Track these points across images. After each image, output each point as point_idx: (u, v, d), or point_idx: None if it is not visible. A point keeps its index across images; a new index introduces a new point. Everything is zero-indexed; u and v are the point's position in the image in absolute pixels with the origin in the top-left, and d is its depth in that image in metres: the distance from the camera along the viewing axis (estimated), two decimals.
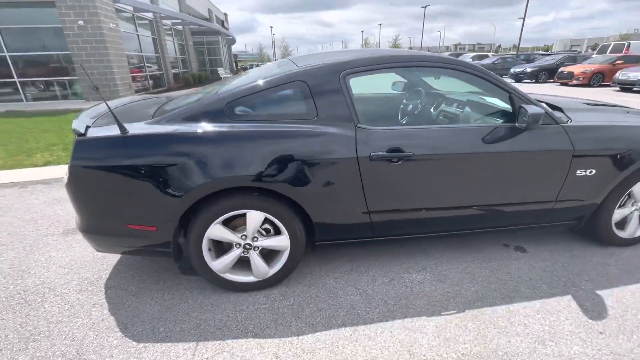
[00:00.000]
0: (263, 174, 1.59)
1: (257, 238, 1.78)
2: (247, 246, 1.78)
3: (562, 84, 14.27)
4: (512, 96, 1.84)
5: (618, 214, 2.11)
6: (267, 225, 1.81)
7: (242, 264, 1.87)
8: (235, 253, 1.79)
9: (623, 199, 2.13)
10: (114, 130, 1.58)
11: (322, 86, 1.69)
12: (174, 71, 16.97)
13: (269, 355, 1.48)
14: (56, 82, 10.87)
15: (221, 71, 19.75)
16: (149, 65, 14.53)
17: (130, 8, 12.38)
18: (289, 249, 1.81)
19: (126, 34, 12.16)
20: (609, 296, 1.79)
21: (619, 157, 1.90)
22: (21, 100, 10.59)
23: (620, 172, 1.93)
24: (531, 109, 1.67)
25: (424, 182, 1.77)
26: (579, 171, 1.90)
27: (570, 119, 1.99)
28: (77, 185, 1.58)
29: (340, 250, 2.26)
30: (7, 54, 10.07)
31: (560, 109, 2.18)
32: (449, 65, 1.81)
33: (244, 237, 1.76)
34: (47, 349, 1.53)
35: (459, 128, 1.80)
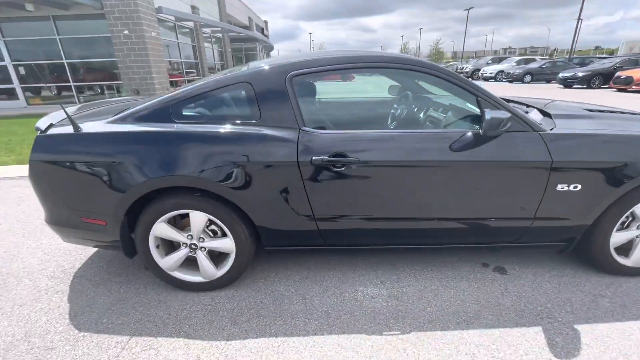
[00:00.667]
0: (202, 175, 1.59)
1: (204, 239, 1.79)
2: (193, 246, 1.79)
3: (619, 90, 12.82)
4: (479, 99, 1.67)
5: (618, 238, 1.82)
6: (214, 227, 1.81)
7: (193, 263, 1.88)
8: (182, 252, 1.81)
9: (625, 221, 1.84)
10: (71, 129, 1.67)
11: (266, 88, 1.65)
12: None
13: (192, 357, 1.46)
14: (106, 86, 11.97)
15: None
16: (188, 70, 15.46)
17: (172, 18, 13.28)
18: (234, 251, 1.79)
19: (167, 42, 13.06)
20: (589, 333, 1.54)
21: (612, 171, 1.64)
22: (75, 103, 11.79)
23: (614, 189, 1.66)
24: (490, 114, 1.49)
25: (375, 191, 1.65)
26: (560, 186, 1.66)
27: (555, 126, 1.76)
28: (37, 179, 1.69)
29: (300, 258, 2.19)
30: (64, 61, 11.29)
31: (549, 115, 1.94)
32: (406, 66, 1.69)
33: (190, 237, 1.78)
34: (2, 329, 1.65)
35: (416, 134, 1.66)
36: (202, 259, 1.81)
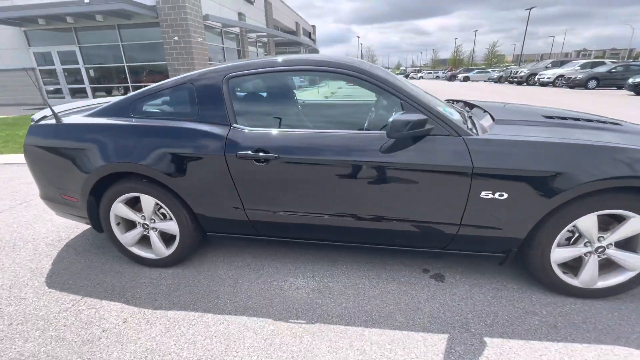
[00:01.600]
0: (146, 163, 1.82)
1: (154, 220, 2.03)
2: (146, 226, 2.04)
3: None
4: (402, 102, 1.68)
5: (561, 254, 1.69)
6: (164, 211, 2.04)
7: (149, 242, 2.13)
8: (137, 231, 2.07)
9: (571, 236, 1.70)
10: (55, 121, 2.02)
11: (204, 88, 1.84)
12: None
13: (121, 318, 1.69)
14: None
15: (296, 79, 21.17)
16: None
17: (219, 24, 14.31)
18: (179, 234, 2.00)
19: (212, 46, 14.10)
20: (497, 347, 1.47)
21: (543, 180, 1.54)
22: None
23: (546, 200, 1.56)
24: (395, 116, 1.51)
25: (295, 186, 1.75)
26: (484, 193, 1.61)
27: (486, 131, 1.70)
28: (29, 160, 2.07)
29: (250, 247, 2.34)
30: (125, 64, 12.78)
31: (492, 119, 1.86)
32: (333, 69, 1.76)
33: (143, 217, 2.03)
34: None
35: (337, 134, 1.72)
36: (154, 238, 2.05)
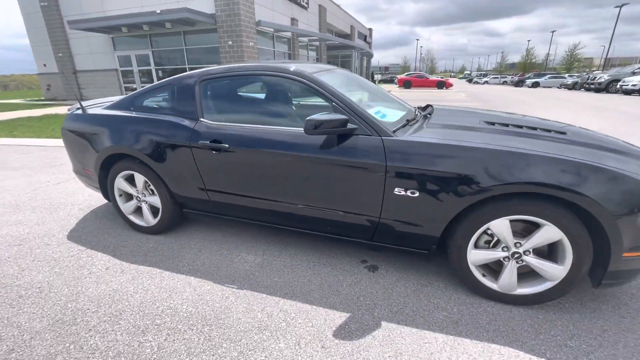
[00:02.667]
0: (136, 147, 2.29)
1: (145, 195, 2.50)
2: (139, 199, 2.52)
3: None
4: (332, 104, 1.88)
5: (478, 256, 1.74)
6: (152, 187, 2.49)
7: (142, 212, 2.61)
8: (133, 202, 2.56)
9: (491, 240, 1.74)
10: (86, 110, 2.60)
11: (183, 88, 2.24)
12: None
13: (105, 266, 2.16)
14: None
15: None
16: None
17: (271, 29, 15.24)
18: (161, 208, 2.44)
19: (263, 50, 15.07)
20: (388, 330, 1.60)
21: (453, 181, 1.63)
22: None
23: (456, 201, 1.64)
24: (311, 116, 1.71)
25: (241, 172, 2.06)
26: (397, 189, 1.74)
27: (414, 132, 1.82)
28: (64, 141, 2.69)
29: (221, 225, 2.70)
30: (187, 66, 14.34)
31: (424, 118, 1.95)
32: (273, 73, 2.03)
33: (137, 192, 2.51)
34: (37, 232, 2.70)
35: (273, 129, 1.98)
36: (144, 209, 2.52)
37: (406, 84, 26.65)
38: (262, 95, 2.39)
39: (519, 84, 35.29)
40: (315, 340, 1.55)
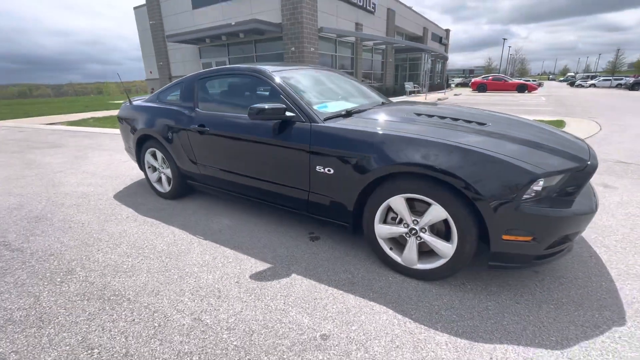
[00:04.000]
0: (155, 129, 3.03)
1: (163, 167, 3.24)
2: (159, 171, 3.29)
3: None
4: (280, 96, 2.29)
5: (384, 230, 1.95)
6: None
7: (163, 182, 3.37)
8: (156, 173, 3.34)
9: (396, 216, 1.95)
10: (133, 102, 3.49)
11: (187, 84, 2.90)
12: None
13: (127, 218, 2.94)
14: None
15: (408, 85, 20.86)
16: None
17: (334, 35, 15.92)
18: (172, 178, 3.15)
19: (325, 54, 15.83)
20: (286, 275, 1.95)
21: (356, 161, 1.90)
22: None
23: (360, 178, 1.90)
24: (254, 105, 2.12)
25: (217, 150, 2.60)
26: (318, 167, 2.06)
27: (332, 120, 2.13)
28: (119, 126, 3.62)
29: (216, 198, 3.29)
30: None
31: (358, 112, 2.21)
32: (241, 72, 2.53)
33: (158, 165, 3.27)
34: (101, 193, 3.69)
35: (238, 116, 2.46)
36: (163, 178, 3.28)
37: (480, 88, 24.70)
38: (238, 89, 2.90)
39: (634, 86, 29.44)
40: (235, 277, 1.99)
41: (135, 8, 21.51)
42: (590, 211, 1.64)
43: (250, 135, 2.36)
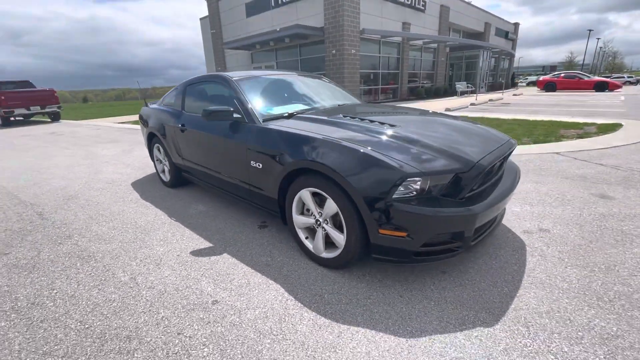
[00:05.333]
0: (156, 128, 3.61)
1: (165, 160, 3.83)
2: (162, 163, 3.88)
3: None
4: (234, 100, 2.62)
5: (299, 220, 2.16)
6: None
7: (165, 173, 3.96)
8: (161, 165, 3.94)
9: (308, 208, 2.15)
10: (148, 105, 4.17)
11: (180, 90, 3.40)
12: (410, 85, 19.29)
13: (131, 199, 3.56)
14: None
15: (459, 86, 19.61)
16: (386, 79, 17.72)
17: (377, 36, 15.83)
18: (168, 169, 3.71)
19: (368, 56, 15.82)
20: (224, 257, 2.27)
21: (274, 157, 2.15)
22: None
23: (277, 172, 2.15)
24: (210, 107, 2.47)
25: (192, 145, 3.04)
26: (252, 162, 2.35)
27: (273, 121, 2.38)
28: (140, 125, 4.34)
29: (204, 189, 3.76)
30: None
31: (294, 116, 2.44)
32: (212, 80, 2.90)
33: (162, 158, 3.87)
34: (127, 173, 4.47)
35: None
36: (166, 170, 3.86)
37: (548, 87, 22.16)
38: (211, 93, 3.29)
39: None
40: (178, 251, 2.38)
41: (201, 19, 23.92)
42: (469, 212, 1.66)
43: (212, 134, 2.75)
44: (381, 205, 1.66)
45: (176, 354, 1.48)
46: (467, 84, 20.97)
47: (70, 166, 5.31)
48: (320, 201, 2.03)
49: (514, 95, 19.54)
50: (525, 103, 13.96)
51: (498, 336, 1.50)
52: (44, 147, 7.44)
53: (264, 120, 2.43)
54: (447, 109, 11.23)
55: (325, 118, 2.35)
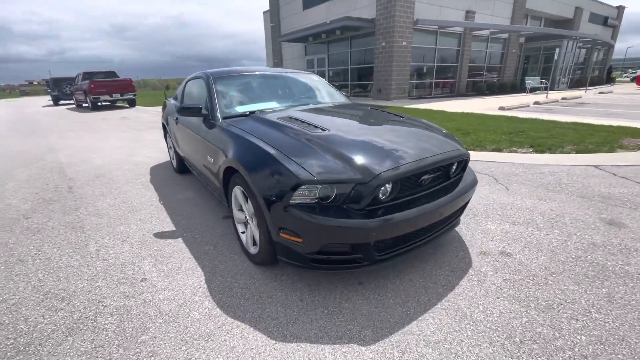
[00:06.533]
0: (165, 119, 4.03)
1: (174, 148, 4.25)
2: (170, 148, 4.32)
3: None
4: (207, 97, 2.81)
5: (237, 215, 2.28)
6: None
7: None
8: (172, 151, 4.39)
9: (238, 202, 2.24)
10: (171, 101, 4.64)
11: (182, 86, 3.73)
12: (471, 79, 17.71)
13: (140, 182, 4.06)
14: (364, 85, 16.14)
15: (530, 81, 17.23)
16: (441, 73, 16.55)
17: (434, 27, 14.80)
18: (175, 158, 4.12)
19: (422, 48, 14.92)
20: (166, 241, 2.52)
21: (219, 154, 2.29)
22: (349, 97, 16.97)
23: (218, 167, 2.30)
24: (182, 104, 2.71)
25: (182, 138, 3.35)
26: (208, 157, 2.53)
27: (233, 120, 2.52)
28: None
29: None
30: (349, 67, 16.41)
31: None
32: (198, 78, 3.12)
33: (171, 145, 4.30)
34: (154, 157, 5.07)
35: None
36: (174, 156, 4.29)
37: None
38: (198, 89, 3.49)
39: None
40: (145, 231, 2.69)
41: (264, 12, 24.98)
42: (360, 225, 1.60)
43: (189, 128, 3.00)
44: (279, 209, 1.69)
45: (87, 317, 1.74)
46: (540, 79, 18.48)
47: (117, 148, 6.17)
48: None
49: (600, 93, 16.65)
50: (607, 103, 11.87)
51: (365, 356, 1.45)
52: (109, 130, 8.71)
53: (224, 118, 2.58)
54: (501, 108, 10.14)
55: (272, 120, 2.40)
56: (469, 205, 2.96)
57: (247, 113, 2.68)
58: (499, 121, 7.63)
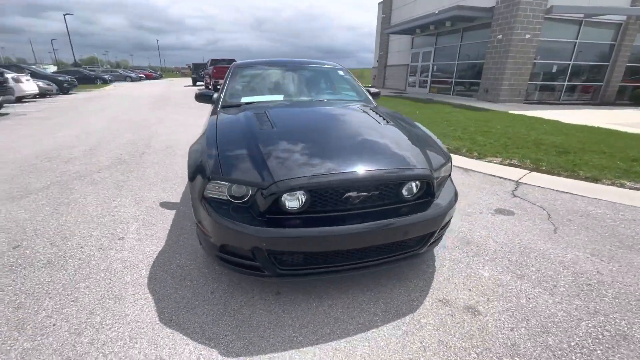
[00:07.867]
0: None
1: None
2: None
3: None
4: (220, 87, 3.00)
5: None
6: None
7: None
8: None
9: None
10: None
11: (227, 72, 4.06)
12: (624, 83, 13.54)
13: (153, 172, 4.68)
14: (470, 83, 14.14)
15: None
16: (580, 74, 13.18)
17: (578, 15, 11.78)
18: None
19: (551, 42, 12.11)
20: (144, 234, 2.84)
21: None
22: (449, 94, 15.26)
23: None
24: (201, 90, 2.96)
25: None
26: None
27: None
28: None
29: None
30: (456, 62, 14.70)
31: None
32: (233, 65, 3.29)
33: None
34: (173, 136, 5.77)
35: None
36: None
37: None
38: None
39: None
40: (146, 207, 3.12)
41: (379, 3, 24.50)
42: (245, 230, 1.49)
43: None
44: (197, 197, 1.74)
45: (63, 257, 2.16)
46: None
47: (142, 127, 7.12)
48: None
49: None
50: None
51: None
52: (196, 112, 10.15)
53: (222, 107, 2.73)
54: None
55: (246, 113, 2.40)
56: (475, 239, 2.38)
57: (240, 104, 2.76)
58: (632, 141, 5.66)
